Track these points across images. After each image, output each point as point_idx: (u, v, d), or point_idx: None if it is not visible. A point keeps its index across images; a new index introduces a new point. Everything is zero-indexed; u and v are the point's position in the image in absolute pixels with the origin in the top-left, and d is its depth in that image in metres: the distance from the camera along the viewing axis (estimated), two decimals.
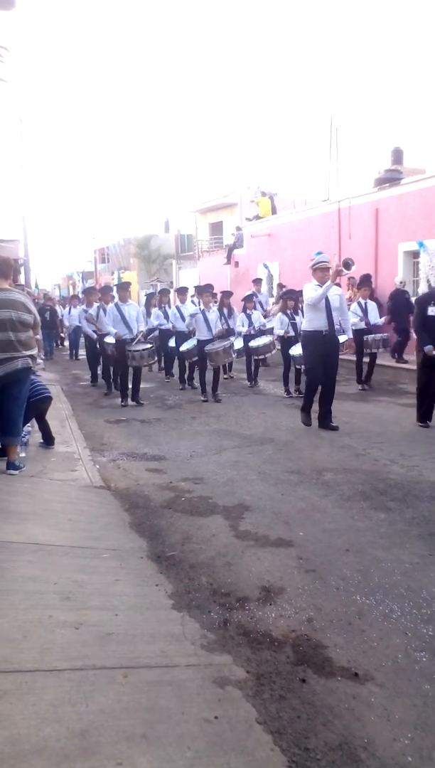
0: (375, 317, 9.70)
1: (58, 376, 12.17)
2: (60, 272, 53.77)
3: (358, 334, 9.21)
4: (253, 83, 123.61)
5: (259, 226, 19.90)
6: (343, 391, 8.98)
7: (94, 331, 10.46)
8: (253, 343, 9.74)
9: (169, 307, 11.48)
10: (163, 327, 11.23)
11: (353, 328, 8.39)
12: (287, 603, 2.95)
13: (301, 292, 8.27)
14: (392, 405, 8.35)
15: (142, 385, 9.10)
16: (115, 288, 11.34)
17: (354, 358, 10.02)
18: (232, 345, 9.38)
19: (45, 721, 1.88)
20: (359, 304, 9.70)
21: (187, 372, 10.36)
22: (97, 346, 10.35)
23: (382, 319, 9.98)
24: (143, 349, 8.72)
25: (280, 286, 15.80)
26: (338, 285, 6.97)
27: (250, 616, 2.83)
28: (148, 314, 11.96)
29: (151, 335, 11.05)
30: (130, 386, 8.76)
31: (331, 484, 4.81)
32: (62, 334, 17.99)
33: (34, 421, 5.73)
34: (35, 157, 78.71)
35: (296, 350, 8.48)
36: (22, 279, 17.60)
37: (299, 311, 9.15)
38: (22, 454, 5.11)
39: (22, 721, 1.87)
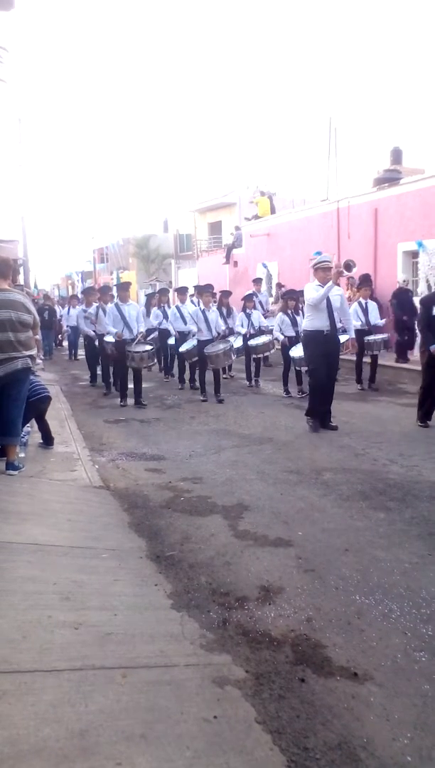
0: (375, 317, 9.66)
1: (57, 376, 12.16)
2: (59, 272, 53.73)
3: (359, 334, 9.19)
4: (252, 83, 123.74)
5: (258, 226, 19.89)
6: (342, 391, 8.98)
7: (94, 331, 10.44)
8: (252, 342, 9.71)
9: (169, 306, 11.43)
10: (162, 327, 11.19)
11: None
12: (286, 603, 2.95)
13: (301, 291, 8.27)
14: (392, 405, 8.35)
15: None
16: (114, 288, 11.33)
17: (354, 358, 10.02)
18: (232, 347, 9.30)
19: (44, 722, 1.88)
20: (360, 304, 9.66)
21: (188, 372, 10.32)
22: (97, 345, 10.34)
23: (383, 320, 9.96)
24: (143, 351, 8.63)
25: (279, 285, 15.82)
26: (338, 285, 6.97)
27: (249, 616, 2.83)
28: (148, 314, 11.91)
29: (151, 336, 11.00)
30: (129, 386, 8.70)
31: (331, 484, 4.81)
32: (60, 336, 18.00)
33: (33, 422, 5.73)
34: (34, 157, 78.91)
35: (297, 352, 8.44)
36: (21, 279, 17.61)
37: (300, 311, 9.14)
38: (22, 455, 5.11)
39: (21, 721, 1.87)
